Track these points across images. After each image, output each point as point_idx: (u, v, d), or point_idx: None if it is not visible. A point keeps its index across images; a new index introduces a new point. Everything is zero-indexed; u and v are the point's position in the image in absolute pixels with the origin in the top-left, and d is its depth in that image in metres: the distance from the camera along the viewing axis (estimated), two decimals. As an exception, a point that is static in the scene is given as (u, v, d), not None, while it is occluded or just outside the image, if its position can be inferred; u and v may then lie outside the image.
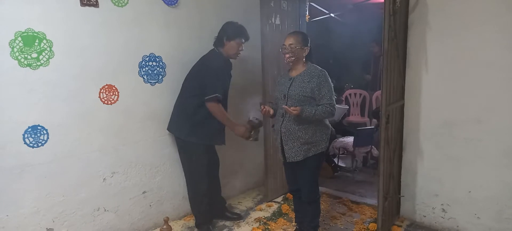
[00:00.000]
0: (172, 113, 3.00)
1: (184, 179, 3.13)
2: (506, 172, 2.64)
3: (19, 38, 2.27)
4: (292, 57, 2.56)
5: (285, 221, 3.26)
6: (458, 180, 2.86)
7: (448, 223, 2.97)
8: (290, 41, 2.55)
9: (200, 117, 2.84)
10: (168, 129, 3.03)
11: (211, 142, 3.00)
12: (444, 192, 2.95)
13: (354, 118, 5.95)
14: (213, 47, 2.96)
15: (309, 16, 4.88)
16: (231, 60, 2.99)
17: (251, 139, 2.95)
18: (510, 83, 2.54)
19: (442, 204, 2.97)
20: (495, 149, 2.66)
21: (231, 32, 2.87)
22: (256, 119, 2.96)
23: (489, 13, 2.56)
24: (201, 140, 2.90)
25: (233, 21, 2.93)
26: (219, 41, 2.91)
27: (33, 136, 2.39)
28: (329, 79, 2.55)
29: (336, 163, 4.61)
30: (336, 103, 2.59)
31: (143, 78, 2.90)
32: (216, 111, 2.81)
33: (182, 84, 2.96)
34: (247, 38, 2.94)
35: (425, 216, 3.08)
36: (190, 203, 3.14)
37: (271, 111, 2.67)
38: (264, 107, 2.65)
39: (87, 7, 2.53)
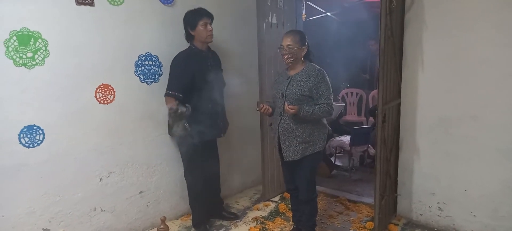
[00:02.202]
0: None
1: (181, 179, 3.11)
2: (501, 170, 2.65)
3: (14, 38, 2.26)
4: (290, 58, 2.55)
5: (282, 220, 3.27)
6: (454, 178, 2.87)
7: (444, 221, 2.98)
8: (287, 41, 2.53)
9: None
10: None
11: (203, 138, 2.87)
12: (440, 190, 2.96)
13: (351, 117, 5.96)
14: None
15: (305, 15, 4.89)
16: (216, 53, 3.01)
17: (175, 133, 2.73)
18: (506, 81, 2.55)
19: (438, 203, 2.98)
20: (491, 147, 2.67)
21: (190, 19, 2.81)
22: (171, 108, 2.62)
23: (485, 10, 2.57)
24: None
25: (189, 10, 2.85)
26: (187, 35, 2.87)
27: (28, 135, 2.38)
28: (327, 78, 2.54)
29: (333, 162, 4.61)
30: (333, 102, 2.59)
31: (139, 77, 2.88)
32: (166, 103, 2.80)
33: None
34: (209, 16, 2.85)
35: (421, 215, 3.10)
36: (189, 201, 3.11)
37: (270, 110, 2.66)
38: (263, 106, 2.64)
39: (82, 6, 2.51)
